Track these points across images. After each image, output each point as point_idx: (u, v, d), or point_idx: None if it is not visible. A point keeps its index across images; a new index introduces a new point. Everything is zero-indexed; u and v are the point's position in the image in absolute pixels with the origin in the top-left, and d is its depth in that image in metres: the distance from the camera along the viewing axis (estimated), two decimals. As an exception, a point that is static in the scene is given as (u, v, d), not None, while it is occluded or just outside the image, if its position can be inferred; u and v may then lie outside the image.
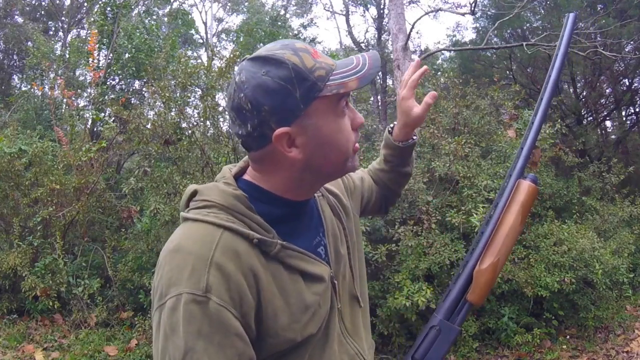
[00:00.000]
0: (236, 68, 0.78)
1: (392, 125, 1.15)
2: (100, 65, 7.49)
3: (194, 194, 0.78)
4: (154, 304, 0.70)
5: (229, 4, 17.69)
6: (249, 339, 0.70)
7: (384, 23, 12.84)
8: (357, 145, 0.81)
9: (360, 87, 0.75)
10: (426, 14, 9.45)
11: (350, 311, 0.90)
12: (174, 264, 0.69)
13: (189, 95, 5.10)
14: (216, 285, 0.66)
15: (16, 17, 12.11)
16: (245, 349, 0.69)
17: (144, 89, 8.16)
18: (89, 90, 7.96)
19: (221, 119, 5.04)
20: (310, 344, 0.79)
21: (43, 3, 12.76)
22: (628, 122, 10.62)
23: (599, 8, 8.45)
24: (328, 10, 18.21)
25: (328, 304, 0.82)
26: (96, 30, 7.63)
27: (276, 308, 0.73)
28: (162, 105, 4.90)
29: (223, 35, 17.62)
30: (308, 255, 0.79)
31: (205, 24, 16.87)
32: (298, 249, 0.78)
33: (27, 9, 12.42)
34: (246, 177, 0.82)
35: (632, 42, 8.05)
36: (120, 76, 7.94)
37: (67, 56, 9.27)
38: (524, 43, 7.36)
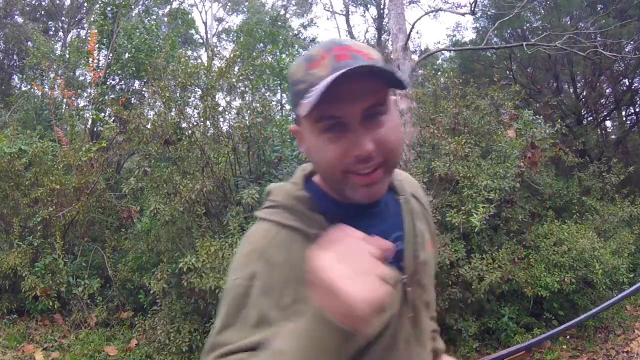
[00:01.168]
0: None
1: None
2: (100, 65, 7.49)
3: (269, 193, 0.86)
4: None
5: (229, 4, 17.68)
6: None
7: (384, 23, 12.84)
8: (357, 177, 0.74)
9: (303, 115, 0.70)
10: (426, 14, 9.44)
11: (422, 319, 0.89)
12: (238, 253, 0.80)
13: (189, 95, 5.10)
14: (261, 272, 0.74)
15: (16, 17, 12.11)
16: (269, 337, 0.69)
17: (144, 89, 8.16)
18: (89, 90, 7.96)
19: (221, 119, 5.05)
20: (375, 349, 0.78)
21: (43, 3, 12.75)
22: (628, 122, 10.62)
23: (599, 8, 8.45)
24: (328, 10, 18.21)
25: (393, 309, 0.81)
26: (96, 30, 7.64)
27: None
28: (162, 105, 4.89)
29: (223, 35, 17.62)
30: None
31: (205, 24, 16.88)
32: None
33: (27, 9, 12.41)
34: (315, 178, 0.87)
35: (632, 42, 8.05)
36: (120, 76, 7.94)
37: (67, 56, 9.26)
38: (524, 43, 7.36)
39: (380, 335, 0.79)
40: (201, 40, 16.10)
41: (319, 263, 0.61)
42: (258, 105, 4.97)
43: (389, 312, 0.80)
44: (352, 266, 0.60)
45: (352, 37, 13.35)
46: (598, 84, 9.47)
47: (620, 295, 0.79)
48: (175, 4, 11.78)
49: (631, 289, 0.79)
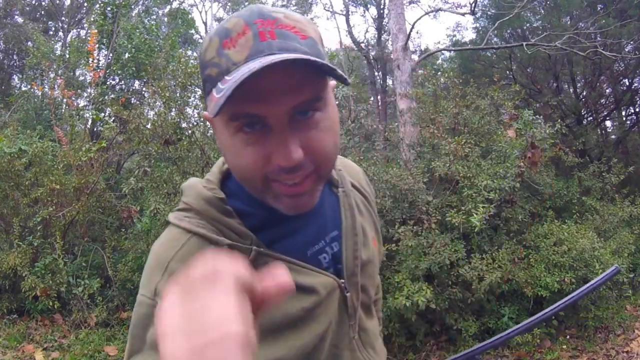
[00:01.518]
0: None
1: None
2: (100, 65, 7.50)
3: (182, 193, 0.73)
4: None
5: (229, 4, 17.69)
6: None
7: (384, 23, 12.83)
8: (282, 187, 0.60)
9: (211, 116, 0.56)
10: (426, 14, 9.44)
11: (367, 322, 0.81)
12: (145, 267, 0.69)
13: (189, 95, 5.10)
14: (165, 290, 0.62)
15: (16, 17, 12.11)
16: None
17: (144, 89, 8.16)
18: (89, 90, 7.96)
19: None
20: None
21: (43, 3, 12.76)
22: (628, 122, 10.62)
23: (599, 8, 8.45)
24: (328, 10, 18.21)
25: (329, 319, 0.72)
26: (96, 30, 7.64)
27: None
28: (162, 105, 4.90)
29: (223, 35, 17.61)
30: (296, 264, 0.69)
31: (205, 24, 16.88)
32: (282, 257, 0.68)
33: (27, 9, 12.42)
34: None
35: (632, 42, 8.05)
36: (120, 76, 7.94)
37: (67, 56, 9.27)
38: (524, 43, 7.36)
39: (318, 348, 0.70)
40: (201, 40, 16.11)
41: (161, 324, 0.35)
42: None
43: (324, 324, 0.71)
44: (203, 329, 0.34)
45: (352, 37, 13.35)
46: (598, 84, 9.47)
47: (556, 305, 0.78)
48: (175, 4, 11.79)
49: (571, 296, 0.77)
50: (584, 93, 9.76)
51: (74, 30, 12.22)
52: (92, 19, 8.78)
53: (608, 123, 11.24)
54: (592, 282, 0.73)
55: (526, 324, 0.69)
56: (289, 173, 0.58)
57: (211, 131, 5.04)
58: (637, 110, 10.17)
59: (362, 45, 13.65)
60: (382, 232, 4.32)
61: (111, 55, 7.70)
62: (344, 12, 13.73)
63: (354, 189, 0.83)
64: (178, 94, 4.97)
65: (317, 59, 0.54)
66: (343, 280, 0.74)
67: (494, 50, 9.44)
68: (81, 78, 9.36)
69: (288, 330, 0.67)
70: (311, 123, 0.59)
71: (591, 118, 9.96)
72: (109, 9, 7.91)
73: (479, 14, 9.96)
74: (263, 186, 0.61)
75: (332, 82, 0.65)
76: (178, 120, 4.74)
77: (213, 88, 0.58)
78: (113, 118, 6.26)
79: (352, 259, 0.76)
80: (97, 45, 7.37)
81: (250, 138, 0.58)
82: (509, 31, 9.58)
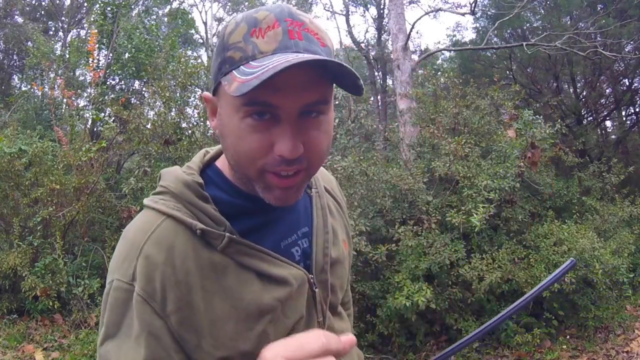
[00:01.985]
0: None
1: None
2: (100, 65, 7.49)
3: (159, 177, 0.75)
4: None
5: (229, 4, 17.69)
6: (183, 349, 0.64)
7: (384, 23, 12.83)
8: (275, 178, 0.63)
9: (236, 95, 0.57)
10: (426, 14, 9.45)
11: (335, 323, 0.82)
12: (116, 251, 0.68)
13: (189, 95, 5.10)
14: (140, 274, 0.63)
15: (16, 17, 12.11)
16: (161, 355, 0.62)
17: (144, 89, 8.16)
18: (89, 90, 7.96)
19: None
20: None
21: (43, 3, 12.76)
22: (628, 122, 10.62)
23: (599, 8, 8.45)
24: (328, 10, 18.22)
25: (299, 314, 0.73)
26: (96, 30, 7.64)
27: (217, 311, 0.65)
28: (162, 105, 4.90)
29: (223, 35, 17.61)
30: (268, 255, 0.69)
31: (205, 24, 16.89)
32: (254, 246, 0.68)
33: (27, 9, 12.42)
34: (218, 162, 0.76)
35: (632, 42, 8.05)
36: (120, 76, 7.94)
37: (67, 56, 9.27)
38: (524, 43, 7.36)
39: None
40: (201, 40, 16.11)
41: None
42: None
43: (293, 317, 0.72)
44: None
45: (352, 37, 13.36)
46: (598, 84, 9.47)
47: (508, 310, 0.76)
48: (175, 4, 11.79)
49: (520, 301, 0.76)
50: (584, 93, 9.76)
51: (74, 30, 12.23)
52: (92, 19, 8.78)
53: (608, 123, 11.26)
54: (549, 277, 0.72)
55: (487, 326, 0.70)
56: (287, 165, 0.61)
57: (211, 131, 5.05)
58: (637, 110, 10.17)
59: (362, 45, 13.65)
60: (382, 232, 4.31)
61: (111, 55, 7.70)
62: (344, 12, 13.74)
63: (326, 193, 0.86)
64: (178, 94, 4.98)
65: (347, 65, 0.58)
66: (312, 276, 0.75)
67: (494, 50, 9.44)
68: (81, 78, 9.37)
69: (261, 321, 0.67)
70: (315, 123, 0.63)
71: (591, 118, 9.96)
72: (109, 9, 7.91)
73: (479, 14, 9.96)
74: (257, 174, 0.64)
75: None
76: (178, 120, 4.74)
77: (234, 69, 0.60)
78: (113, 118, 6.26)
79: (322, 256, 0.77)
80: (97, 45, 7.37)
81: (258, 125, 0.60)
82: (509, 31, 9.58)
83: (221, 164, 0.75)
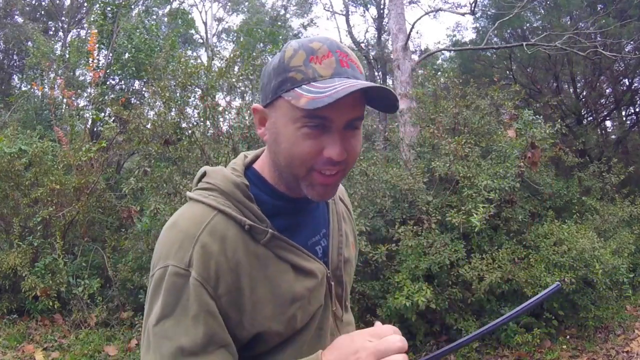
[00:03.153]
0: None
1: None
2: (100, 65, 7.49)
3: (203, 175, 0.84)
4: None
5: (229, 4, 17.69)
6: (225, 325, 0.74)
7: (384, 23, 12.83)
8: (320, 176, 0.76)
9: (309, 108, 0.69)
10: (426, 14, 9.45)
11: (343, 315, 0.93)
12: (166, 238, 0.76)
13: (189, 95, 5.10)
14: (197, 261, 0.72)
15: (16, 17, 12.11)
16: (218, 330, 0.72)
17: (144, 89, 8.16)
18: (89, 90, 7.95)
19: (221, 119, 5.04)
20: (302, 341, 0.81)
21: (43, 3, 12.76)
22: (628, 122, 10.62)
23: (599, 8, 8.45)
24: (328, 10, 18.21)
25: (319, 302, 0.85)
26: (96, 30, 7.63)
27: (259, 296, 0.76)
28: (162, 105, 4.90)
29: (223, 35, 17.64)
30: (301, 250, 0.82)
31: (205, 24, 16.88)
32: (290, 242, 0.80)
33: (27, 9, 12.42)
34: (256, 165, 0.86)
35: (632, 42, 8.05)
36: (120, 76, 7.94)
37: (67, 56, 9.25)
38: (524, 43, 7.36)
39: (307, 327, 0.82)
40: (201, 40, 16.11)
41: None
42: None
43: (316, 305, 0.84)
44: None
45: (352, 37, 13.38)
46: (598, 84, 9.47)
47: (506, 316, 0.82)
48: (175, 4, 11.80)
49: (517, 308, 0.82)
50: (584, 93, 9.76)
51: (74, 30, 12.22)
52: (92, 19, 8.76)
53: (608, 123, 11.25)
54: (533, 298, 0.82)
55: (466, 339, 0.80)
56: (333, 165, 0.74)
57: (211, 131, 5.05)
58: (637, 110, 10.17)
59: (362, 45, 13.66)
60: (382, 232, 4.32)
61: (111, 55, 7.70)
62: (344, 12, 13.74)
63: (340, 201, 1.00)
64: (178, 94, 4.97)
65: (389, 89, 0.73)
66: (329, 271, 0.88)
67: (494, 50, 9.44)
68: (81, 78, 9.35)
69: (293, 307, 0.79)
70: (353, 135, 0.76)
71: (591, 118, 9.96)
72: (109, 9, 7.90)
73: (479, 14, 9.96)
74: (305, 173, 0.76)
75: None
76: (178, 120, 4.74)
77: (296, 87, 0.72)
78: (113, 118, 6.26)
79: (337, 255, 0.91)
80: (97, 45, 7.36)
81: (311, 133, 0.73)
82: (509, 31, 9.58)
83: (259, 167, 0.85)
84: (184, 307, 0.71)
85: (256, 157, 0.88)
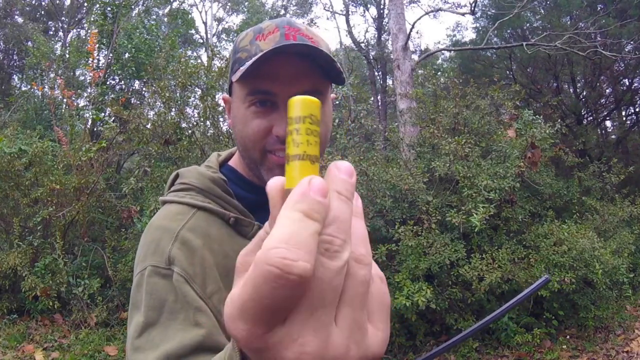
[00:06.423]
0: None
1: None
2: (100, 65, 7.49)
3: (176, 177, 0.80)
4: None
5: (229, 4, 17.69)
6: (219, 324, 0.66)
7: (384, 23, 12.83)
8: (275, 158, 0.71)
9: (236, 79, 0.69)
10: (426, 14, 9.44)
11: None
12: (143, 241, 0.70)
13: (189, 95, 5.10)
14: (179, 257, 0.66)
15: (16, 17, 12.12)
16: (213, 331, 0.63)
17: (144, 89, 8.16)
18: (89, 90, 7.96)
19: (221, 119, 5.04)
20: None
21: (43, 3, 12.76)
22: (628, 122, 10.63)
23: (599, 8, 8.45)
24: (328, 10, 18.22)
25: None
26: (96, 30, 7.63)
27: None
28: (162, 105, 4.90)
29: (223, 35, 17.63)
30: None
31: (205, 24, 16.87)
32: None
33: (27, 9, 12.43)
34: (230, 162, 0.84)
35: (632, 42, 8.05)
36: (120, 76, 7.94)
37: (67, 56, 9.26)
38: (524, 43, 7.36)
39: None
40: (201, 40, 16.11)
41: None
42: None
43: None
44: None
45: (352, 37, 13.37)
46: (598, 84, 9.47)
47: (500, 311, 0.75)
48: (175, 4, 11.78)
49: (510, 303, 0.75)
50: (584, 93, 9.76)
51: (74, 30, 12.23)
52: (92, 19, 8.77)
53: (608, 123, 11.27)
54: (522, 293, 0.75)
55: (456, 340, 0.70)
56: (283, 144, 0.67)
57: (211, 131, 5.05)
58: (637, 110, 10.17)
59: (362, 45, 13.66)
60: (382, 232, 4.32)
61: (111, 55, 7.70)
62: (344, 12, 13.73)
63: None
64: (178, 94, 4.98)
65: (319, 47, 0.66)
66: None
67: (494, 50, 9.44)
68: (81, 78, 9.36)
69: None
70: None
71: (591, 118, 9.97)
72: (109, 9, 7.90)
73: (479, 14, 9.97)
74: (260, 157, 0.73)
75: (332, 95, 0.79)
76: (178, 120, 4.74)
77: (241, 67, 0.71)
78: (113, 118, 6.26)
79: None
80: (97, 45, 7.36)
81: (259, 112, 0.71)
82: (509, 31, 9.58)
83: (234, 163, 0.83)
84: (169, 311, 0.62)
85: (230, 155, 0.86)
